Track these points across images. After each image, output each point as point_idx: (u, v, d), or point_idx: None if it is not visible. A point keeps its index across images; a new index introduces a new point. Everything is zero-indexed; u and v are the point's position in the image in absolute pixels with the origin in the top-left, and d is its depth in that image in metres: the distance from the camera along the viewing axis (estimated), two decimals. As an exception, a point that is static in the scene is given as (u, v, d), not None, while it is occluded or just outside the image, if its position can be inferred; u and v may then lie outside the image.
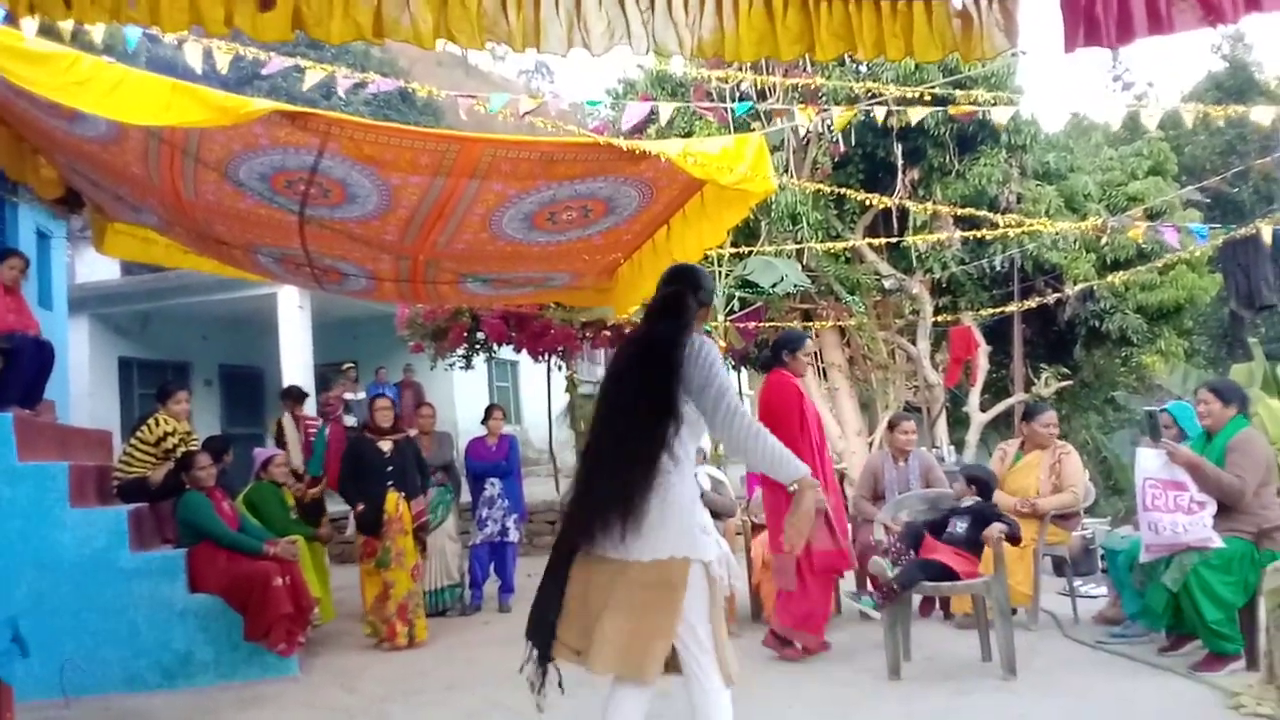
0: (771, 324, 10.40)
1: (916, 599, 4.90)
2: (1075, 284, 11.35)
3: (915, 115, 6.43)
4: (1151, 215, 10.44)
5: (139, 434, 6.10)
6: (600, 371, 21.51)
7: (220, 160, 4.09)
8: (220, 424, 14.16)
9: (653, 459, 2.63)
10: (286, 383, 12.40)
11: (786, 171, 10.26)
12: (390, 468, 6.23)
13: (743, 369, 13.69)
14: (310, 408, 12.17)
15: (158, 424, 6.08)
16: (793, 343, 5.38)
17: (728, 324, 9.75)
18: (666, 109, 6.94)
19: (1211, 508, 4.60)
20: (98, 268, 13.69)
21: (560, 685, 2.81)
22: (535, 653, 2.80)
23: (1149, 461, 4.81)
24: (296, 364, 12.48)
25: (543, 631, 2.79)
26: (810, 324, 11.42)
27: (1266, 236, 7.31)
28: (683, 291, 2.91)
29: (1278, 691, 3.92)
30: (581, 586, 2.77)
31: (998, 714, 4.13)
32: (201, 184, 4.34)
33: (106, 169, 4.38)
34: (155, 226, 5.42)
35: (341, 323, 13.78)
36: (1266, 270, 7.75)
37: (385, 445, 6.32)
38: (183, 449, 5.97)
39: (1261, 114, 6.21)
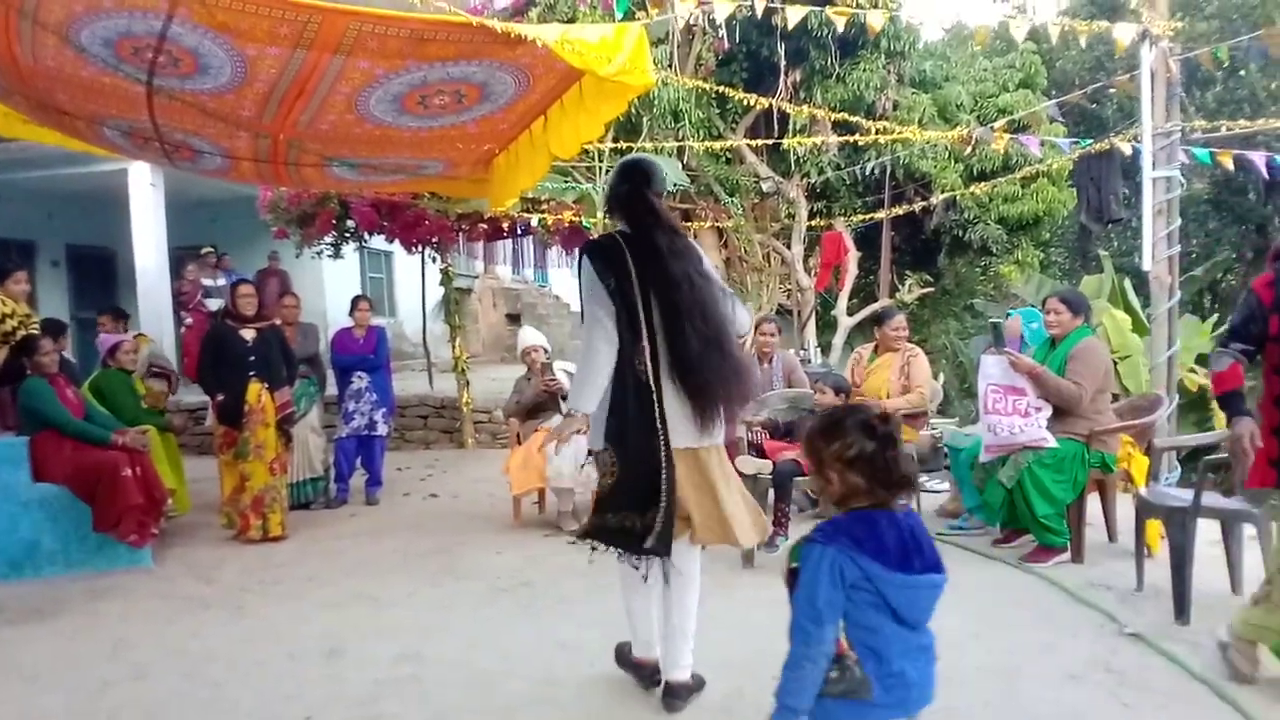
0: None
1: (771, 494, 5.09)
2: (942, 193, 11.68)
3: (797, 13, 6.37)
4: (1018, 128, 10.75)
5: (-26, 316, 5.73)
6: (479, 265, 21.10)
7: (61, 23, 3.75)
8: (69, 307, 13.33)
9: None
10: (139, 265, 11.76)
11: (670, 66, 10.10)
12: (253, 357, 6.04)
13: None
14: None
15: (-5, 305, 5.72)
16: None
17: (608, 221, 9.65)
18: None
19: (1047, 411, 4.90)
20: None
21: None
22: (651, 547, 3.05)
23: (992, 368, 5.08)
24: (149, 246, 11.75)
25: (665, 532, 3.02)
26: (689, 224, 11.45)
27: (1126, 150, 7.58)
28: (643, 194, 3.18)
29: None
30: (693, 482, 3.12)
31: (843, 599, 4.37)
32: (40, 49, 3.98)
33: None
34: (-8, 93, 4.96)
35: (199, 204, 13.02)
36: (1117, 185, 8.08)
37: (248, 334, 6.11)
38: (23, 332, 5.63)
39: (1122, 31, 6.39)
